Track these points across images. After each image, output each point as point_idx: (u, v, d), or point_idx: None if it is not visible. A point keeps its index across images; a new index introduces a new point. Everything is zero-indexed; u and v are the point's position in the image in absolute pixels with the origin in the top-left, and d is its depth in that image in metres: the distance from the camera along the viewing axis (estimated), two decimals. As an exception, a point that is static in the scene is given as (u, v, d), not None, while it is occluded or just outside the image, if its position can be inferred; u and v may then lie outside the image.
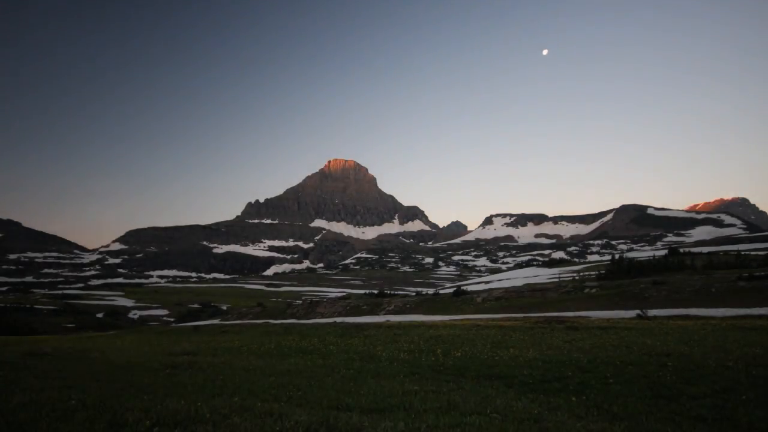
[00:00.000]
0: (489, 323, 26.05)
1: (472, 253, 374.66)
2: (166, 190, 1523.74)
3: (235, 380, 10.67)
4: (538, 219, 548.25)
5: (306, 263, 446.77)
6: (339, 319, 40.69)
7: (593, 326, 21.52)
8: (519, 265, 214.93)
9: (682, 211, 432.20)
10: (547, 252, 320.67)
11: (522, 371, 11.14)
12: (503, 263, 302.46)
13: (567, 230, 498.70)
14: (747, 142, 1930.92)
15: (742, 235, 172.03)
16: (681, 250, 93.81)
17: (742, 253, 69.22)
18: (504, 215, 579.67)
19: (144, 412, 6.30)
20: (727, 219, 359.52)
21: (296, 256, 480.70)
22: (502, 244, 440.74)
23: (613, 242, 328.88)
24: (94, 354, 18.20)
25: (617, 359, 12.15)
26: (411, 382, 10.37)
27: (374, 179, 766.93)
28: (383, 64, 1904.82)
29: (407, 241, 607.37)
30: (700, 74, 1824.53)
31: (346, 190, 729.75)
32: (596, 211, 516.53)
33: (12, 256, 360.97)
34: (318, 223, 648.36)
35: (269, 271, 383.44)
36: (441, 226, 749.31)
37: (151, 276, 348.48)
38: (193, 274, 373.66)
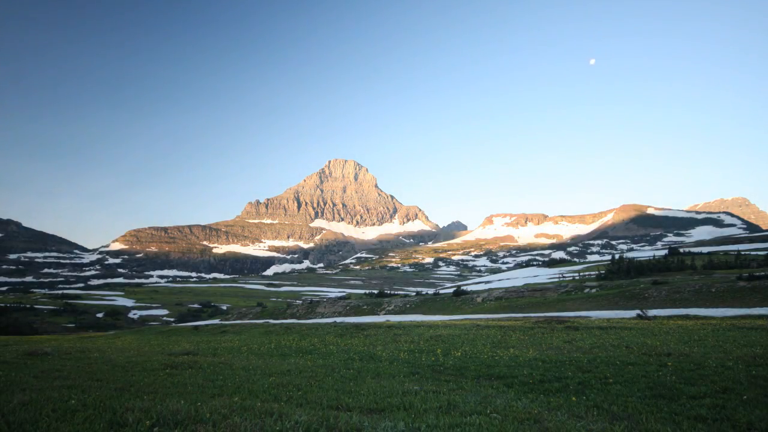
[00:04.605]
0: (489, 323, 26.04)
1: (472, 253, 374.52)
2: (166, 190, 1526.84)
3: (235, 380, 10.67)
4: (538, 219, 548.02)
5: (306, 263, 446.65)
6: (339, 319, 40.74)
7: (593, 326, 21.50)
8: (519, 265, 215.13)
9: (682, 211, 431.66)
10: (547, 252, 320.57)
11: (522, 371, 11.14)
12: (503, 263, 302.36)
13: (567, 230, 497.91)
14: (747, 142, 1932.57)
15: (742, 235, 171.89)
16: (681, 250, 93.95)
17: (742, 253, 69.33)
18: (504, 215, 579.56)
19: (144, 412, 6.29)
20: (727, 219, 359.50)
21: (296, 256, 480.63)
22: (502, 244, 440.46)
23: (613, 242, 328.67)
24: (94, 354, 18.19)
25: (617, 359, 12.15)
26: (411, 382, 10.37)
27: (374, 179, 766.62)
28: (383, 64, 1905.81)
29: (407, 241, 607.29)
30: (700, 74, 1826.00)
31: (346, 190, 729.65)
32: (596, 211, 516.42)
33: (12, 256, 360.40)
34: (318, 223, 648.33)
35: (269, 271, 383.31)
36: (441, 226, 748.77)
37: (151, 276, 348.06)
38: (193, 274, 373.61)
